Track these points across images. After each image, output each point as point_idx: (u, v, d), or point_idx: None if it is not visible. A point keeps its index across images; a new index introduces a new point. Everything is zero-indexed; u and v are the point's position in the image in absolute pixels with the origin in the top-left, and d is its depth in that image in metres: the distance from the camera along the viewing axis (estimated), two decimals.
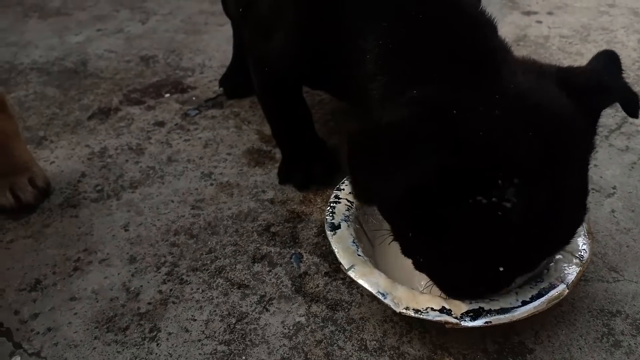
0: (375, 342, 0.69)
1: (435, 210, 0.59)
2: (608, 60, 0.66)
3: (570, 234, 0.63)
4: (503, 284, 0.65)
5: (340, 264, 0.70)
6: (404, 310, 0.64)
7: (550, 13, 1.60)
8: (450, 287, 0.66)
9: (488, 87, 0.59)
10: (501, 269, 0.60)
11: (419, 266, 0.67)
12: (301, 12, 0.76)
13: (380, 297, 0.66)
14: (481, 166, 0.56)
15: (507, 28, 1.48)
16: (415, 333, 0.69)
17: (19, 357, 0.69)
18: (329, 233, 0.75)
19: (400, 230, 0.67)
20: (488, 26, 0.67)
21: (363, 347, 0.68)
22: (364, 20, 0.69)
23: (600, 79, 0.64)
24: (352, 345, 0.68)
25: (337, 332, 0.70)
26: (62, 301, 0.75)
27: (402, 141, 0.55)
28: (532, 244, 0.60)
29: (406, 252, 0.68)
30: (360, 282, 0.68)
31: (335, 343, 0.69)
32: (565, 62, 1.33)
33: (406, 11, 0.66)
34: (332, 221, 0.77)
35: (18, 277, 0.79)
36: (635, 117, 0.65)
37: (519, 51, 1.38)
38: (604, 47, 1.41)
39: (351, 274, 0.69)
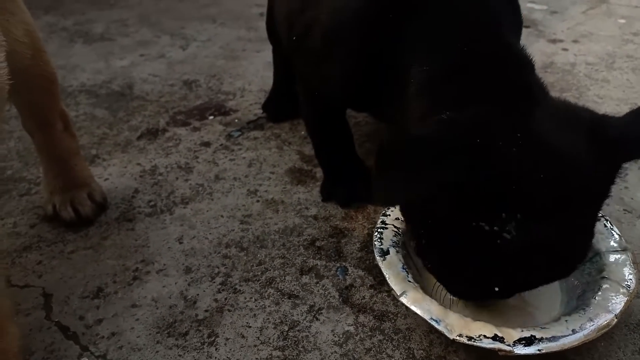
0: (422, 351, 0.72)
1: (442, 222, 0.64)
2: None
3: (568, 269, 0.66)
4: (498, 296, 0.69)
5: (392, 289, 0.73)
6: (458, 337, 0.66)
7: (575, 41, 1.65)
8: (451, 289, 0.71)
9: (515, 125, 0.62)
10: (496, 288, 0.65)
11: (427, 268, 0.73)
12: (354, 47, 0.81)
13: (433, 323, 0.68)
14: (491, 196, 0.60)
15: (534, 55, 1.52)
16: (461, 344, 0.73)
17: (87, 359, 0.74)
18: (378, 259, 0.78)
19: (414, 232, 0.72)
20: (527, 65, 0.71)
21: (411, 356, 0.72)
22: (413, 52, 0.74)
23: (634, 135, 0.64)
24: (400, 353, 0.72)
25: (385, 341, 0.74)
26: (123, 308, 0.80)
27: (427, 150, 0.60)
28: (527, 272, 0.63)
29: (418, 253, 0.73)
30: (413, 308, 0.70)
31: (384, 351, 0.72)
32: (593, 89, 1.38)
33: (452, 45, 0.71)
34: (381, 247, 0.80)
35: (81, 285, 0.85)
36: None
37: (547, 78, 1.43)
38: (630, 74, 1.46)
39: (404, 300, 0.71)
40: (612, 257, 0.77)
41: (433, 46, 0.73)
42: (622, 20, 1.85)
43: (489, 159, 0.59)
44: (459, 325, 0.67)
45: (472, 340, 0.66)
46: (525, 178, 0.59)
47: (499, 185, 0.59)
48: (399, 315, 0.78)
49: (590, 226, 0.64)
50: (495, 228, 0.59)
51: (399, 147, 0.63)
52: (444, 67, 0.71)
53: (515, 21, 0.82)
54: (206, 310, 0.79)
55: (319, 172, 1.07)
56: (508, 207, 0.59)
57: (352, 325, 0.76)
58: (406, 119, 0.75)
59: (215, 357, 0.72)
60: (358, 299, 0.80)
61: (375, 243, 0.80)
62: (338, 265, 0.87)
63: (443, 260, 0.69)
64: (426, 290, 0.75)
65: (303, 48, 0.90)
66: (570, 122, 0.64)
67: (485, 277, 0.65)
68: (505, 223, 0.59)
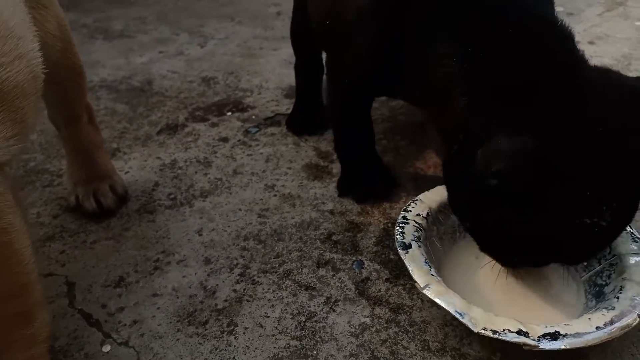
0: (437, 343, 0.74)
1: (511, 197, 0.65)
2: None
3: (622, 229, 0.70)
4: (564, 260, 0.73)
5: (415, 282, 0.73)
6: (482, 331, 0.66)
7: (591, 43, 1.65)
8: (509, 259, 0.74)
9: (577, 112, 0.65)
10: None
11: (479, 242, 0.74)
12: (381, 31, 0.81)
13: (458, 316, 0.68)
14: (586, 193, 0.63)
15: None
16: (475, 336, 0.74)
17: (109, 346, 0.75)
18: (401, 252, 0.77)
19: (467, 210, 0.74)
20: (567, 38, 0.71)
21: (426, 347, 0.73)
22: (439, 32, 0.74)
23: None
24: (416, 345, 0.73)
25: (400, 332, 0.75)
26: (145, 297, 0.82)
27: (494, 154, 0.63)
28: (593, 235, 0.66)
29: (470, 230, 0.75)
30: (437, 300, 0.70)
31: (399, 342, 0.74)
32: None
33: (484, 22, 0.71)
34: (403, 240, 0.79)
35: (103, 275, 0.87)
36: None
37: None
38: None
39: (427, 292, 0.71)
40: (633, 260, 0.77)
41: (462, 26, 0.72)
42: (639, 23, 1.84)
43: (555, 138, 0.62)
44: (483, 319, 0.68)
45: (497, 334, 0.66)
46: (588, 150, 0.63)
47: (569, 158, 0.62)
48: (414, 308, 0.79)
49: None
50: (595, 219, 0.62)
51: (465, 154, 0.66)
52: (479, 48, 0.70)
53: None
54: (225, 300, 0.81)
55: (335, 168, 1.08)
56: (576, 177, 0.62)
57: (368, 317, 0.78)
58: (446, 107, 0.74)
59: (235, 346, 0.74)
60: (374, 292, 0.82)
61: (397, 237, 0.80)
62: (354, 258, 0.88)
63: (508, 229, 0.69)
64: (448, 285, 0.75)
65: (330, 40, 0.92)
66: (618, 90, 0.67)
67: (553, 241, 0.67)
68: (604, 213, 0.62)
